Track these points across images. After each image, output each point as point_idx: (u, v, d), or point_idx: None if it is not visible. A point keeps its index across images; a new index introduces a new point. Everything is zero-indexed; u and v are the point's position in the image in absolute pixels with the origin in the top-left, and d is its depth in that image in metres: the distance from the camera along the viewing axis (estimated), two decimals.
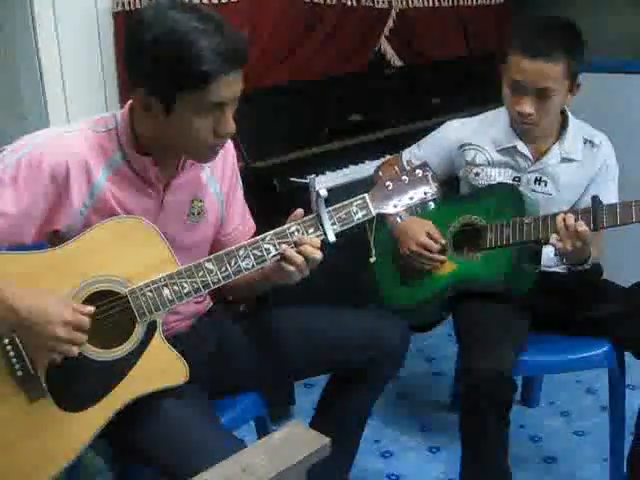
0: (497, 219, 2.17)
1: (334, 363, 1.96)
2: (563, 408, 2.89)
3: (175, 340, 1.69)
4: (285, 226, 1.68)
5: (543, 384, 2.90)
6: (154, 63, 1.52)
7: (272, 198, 2.61)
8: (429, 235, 2.25)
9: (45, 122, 2.60)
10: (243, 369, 1.91)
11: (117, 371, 1.60)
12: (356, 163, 2.92)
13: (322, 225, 1.68)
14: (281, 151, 2.76)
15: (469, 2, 3.62)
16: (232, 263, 1.64)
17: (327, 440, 1.17)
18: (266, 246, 1.66)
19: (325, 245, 1.68)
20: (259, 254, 1.65)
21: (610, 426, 2.31)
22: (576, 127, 2.24)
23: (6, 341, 1.53)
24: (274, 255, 1.66)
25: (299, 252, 1.65)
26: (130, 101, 1.65)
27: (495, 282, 2.16)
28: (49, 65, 2.58)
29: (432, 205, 1.77)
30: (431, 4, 3.43)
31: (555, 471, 2.54)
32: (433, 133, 2.42)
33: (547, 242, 2.07)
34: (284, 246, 1.66)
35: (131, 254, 1.60)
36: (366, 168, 2.85)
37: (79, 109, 2.65)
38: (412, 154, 2.41)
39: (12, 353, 1.53)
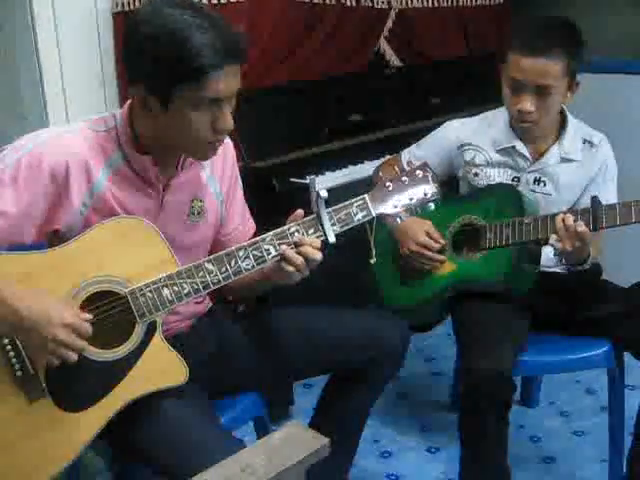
0: (497, 219, 2.17)
1: (334, 363, 1.97)
2: (562, 408, 2.90)
3: (175, 340, 1.69)
4: (285, 227, 1.68)
5: (542, 384, 2.90)
6: (151, 59, 1.52)
7: (272, 198, 2.61)
8: (429, 235, 2.25)
9: (45, 122, 2.61)
10: (243, 369, 1.91)
11: (117, 371, 1.60)
12: (356, 163, 2.92)
13: (322, 226, 1.68)
14: (281, 151, 2.76)
15: (469, 2, 3.62)
16: (232, 264, 1.64)
17: (326, 440, 1.17)
18: (266, 247, 1.66)
19: (325, 246, 1.68)
20: (259, 255, 1.65)
21: (609, 426, 2.32)
22: (575, 127, 2.25)
23: (6, 341, 1.53)
24: (274, 256, 1.66)
25: (299, 253, 1.65)
26: (130, 101, 1.65)
27: (495, 282, 2.16)
28: (49, 65, 2.58)
29: (432, 206, 1.77)
30: (430, 4, 3.43)
31: (554, 471, 2.54)
32: (433, 133, 2.42)
33: (546, 242, 2.07)
34: (284, 247, 1.66)
35: (131, 254, 1.60)
36: (366, 168, 2.85)
37: (79, 109, 2.65)
38: (412, 154, 2.41)
39: (12, 353, 1.53)
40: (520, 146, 2.22)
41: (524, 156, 2.23)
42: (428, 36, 3.46)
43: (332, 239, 1.69)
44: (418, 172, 1.76)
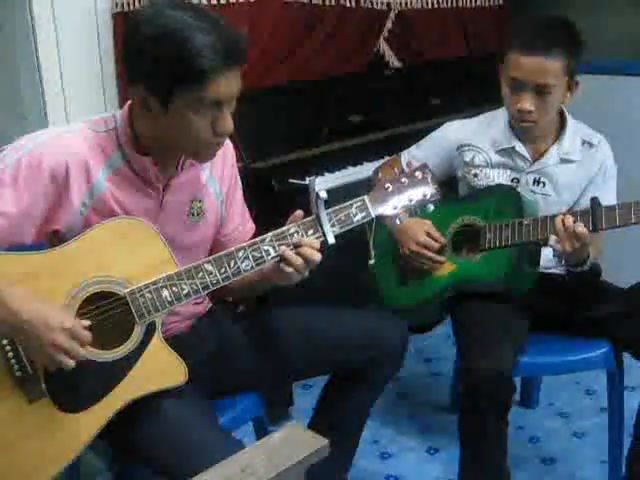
0: (496, 220, 2.17)
1: (334, 363, 1.97)
2: (562, 409, 2.90)
3: (174, 341, 1.69)
4: (284, 228, 1.68)
5: (542, 385, 2.90)
6: (151, 60, 1.52)
7: (271, 198, 2.61)
8: (429, 234, 2.25)
9: (44, 122, 2.61)
10: (242, 369, 1.91)
11: (117, 372, 1.60)
12: (355, 164, 2.92)
13: (321, 227, 1.68)
14: (280, 151, 2.76)
15: (468, 3, 3.62)
16: (231, 264, 1.64)
17: (326, 441, 1.18)
18: (265, 247, 1.66)
19: (324, 247, 1.68)
20: (258, 255, 1.65)
21: (609, 427, 2.32)
22: (574, 128, 2.25)
23: (5, 342, 1.53)
24: (273, 257, 1.66)
25: (298, 254, 1.65)
26: (130, 101, 1.65)
27: (495, 283, 2.16)
28: (48, 65, 2.58)
29: (431, 207, 1.77)
30: (430, 5, 3.43)
31: (554, 472, 2.54)
32: (432, 134, 2.43)
33: (546, 243, 2.07)
34: (283, 248, 1.66)
35: (131, 255, 1.60)
36: (365, 169, 2.85)
37: (78, 109, 2.65)
38: (411, 155, 2.41)
39: (11, 354, 1.53)
40: (520, 147, 2.23)
41: (523, 157, 2.23)
42: (428, 37, 3.46)
43: (331, 240, 1.69)
44: (417, 173, 1.77)
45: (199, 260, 1.64)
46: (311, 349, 1.92)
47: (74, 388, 1.57)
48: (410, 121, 3.27)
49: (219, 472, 1.12)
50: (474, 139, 2.30)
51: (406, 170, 1.79)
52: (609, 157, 2.25)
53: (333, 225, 1.69)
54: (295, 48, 2.94)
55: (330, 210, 1.69)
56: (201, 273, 1.62)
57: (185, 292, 1.62)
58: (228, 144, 1.83)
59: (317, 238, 1.68)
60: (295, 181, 2.68)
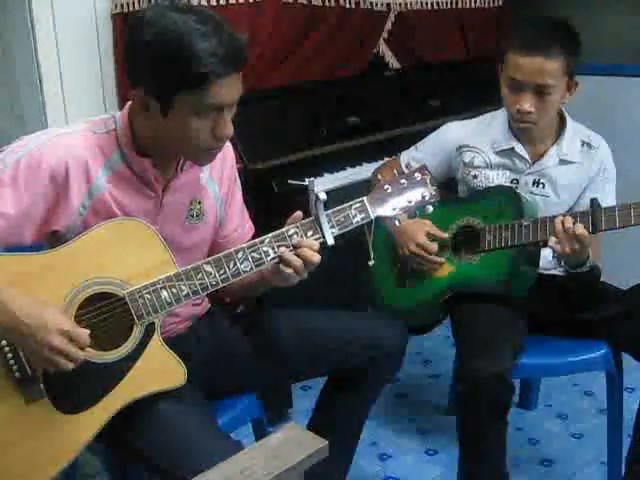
0: (496, 221, 2.17)
1: (333, 364, 1.97)
2: (561, 410, 2.90)
3: (173, 342, 1.69)
4: (284, 229, 1.68)
5: (541, 386, 2.90)
6: (153, 63, 1.52)
7: (270, 199, 2.61)
8: (429, 235, 2.24)
9: (43, 123, 2.61)
10: (242, 370, 1.91)
11: (115, 373, 1.60)
12: (354, 165, 2.92)
13: (321, 228, 1.68)
14: (280, 153, 2.76)
15: (468, 4, 3.62)
16: (231, 266, 1.64)
17: (325, 442, 1.18)
18: (265, 249, 1.65)
19: (323, 248, 1.68)
20: (257, 257, 1.65)
21: (608, 428, 2.32)
22: (574, 129, 2.25)
23: (4, 342, 1.53)
24: (272, 258, 1.66)
25: (297, 255, 1.65)
26: (129, 102, 1.65)
27: (494, 284, 2.16)
28: (47, 66, 2.58)
29: (430, 208, 1.77)
30: (430, 6, 3.42)
31: (553, 473, 2.54)
32: (431, 135, 2.43)
33: (546, 244, 2.07)
34: (282, 249, 1.66)
35: (130, 256, 1.60)
36: (364, 170, 2.85)
37: (77, 110, 2.65)
38: (410, 156, 2.41)
39: (10, 355, 1.53)
40: (519, 148, 2.23)
41: (523, 158, 2.23)
42: (427, 38, 3.46)
43: (331, 241, 1.69)
44: (417, 175, 1.77)
45: (198, 261, 1.64)
46: (310, 350, 1.92)
47: (73, 389, 1.57)
48: (409, 122, 3.26)
49: (218, 473, 1.12)
50: (473, 140, 2.31)
51: (405, 171, 1.79)
52: (608, 158, 2.25)
53: (332, 226, 1.69)
54: (294, 49, 2.94)
55: (329, 211, 1.69)
56: (200, 274, 1.62)
57: (184, 293, 1.61)
58: (227, 145, 1.83)
59: (316, 239, 1.68)
60: (294, 182, 2.67)
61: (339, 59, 3.10)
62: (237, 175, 1.92)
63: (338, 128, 3.03)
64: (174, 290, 1.60)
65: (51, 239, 1.63)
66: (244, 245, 1.65)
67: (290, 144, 2.83)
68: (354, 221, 1.71)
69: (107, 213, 1.63)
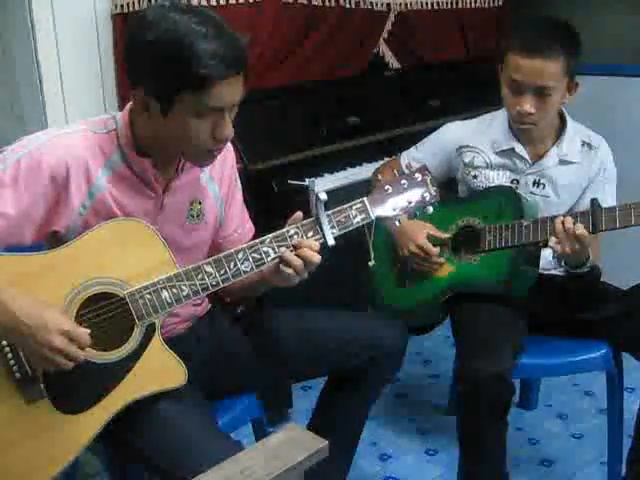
0: (496, 221, 2.17)
1: (333, 364, 1.97)
2: (561, 411, 2.90)
3: (174, 342, 1.69)
4: (284, 229, 1.67)
5: (541, 386, 2.90)
6: (153, 64, 1.52)
7: (270, 200, 2.61)
8: (429, 236, 2.24)
9: (43, 123, 2.61)
10: (242, 371, 1.91)
11: (116, 373, 1.60)
12: (354, 165, 2.92)
13: (321, 228, 1.68)
14: (279, 153, 2.76)
15: (468, 4, 3.62)
16: (231, 266, 1.64)
17: (325, 442, 1.18)
18: (265, 249, 1.65)
19: (324, 248, 1.68)
20: (258, 257, 1.65)
21: (608, 428, 2.32)
22: (574, 129, 2.25)
23: (4, 343, 1.53)
24: (273, 258, 1.66)
25: (298, 255, 1.65)
26: (130, 103, 1.65)
27: (494, 284, 2.16)
28: (47, 67, 2.58)
29: (431, 209, 1.77)
30: (430, 6, 3.42)
31: (553, 474, 2.54)
32: (432, 135, 2.43)
33: (546, 245, 2.07)
34: (283, 249, 1.66)
35: (131, 256, 1.60)
36: (364, 170, 2.85)
37: (77, 110, 2.65)
38: (411, 156, 2.41)
39: (10, 355, 1.53)
40: (519, 148, 2.23)
41: (523, 158, 2.23)
42: (427, 38, 3.46)
43: (331, 242, 1.68)
44: (417, 175, 1.77)
45: (198, 262, 1.64)
46: (310, 350, 1.92)
47: (73, 389, 1.57)
48: (409, 122, 3.26)
49: (218, 474, 1.12)
50: (474, 140, 2.31)
51: (406, 172, 1.79)
52: (609, 158, 2.25)
53: (333, 227, 1.69)
54: (294, 49, 2.94)
55: (330, 212, 1.69)
56: (201, 274, 1.62)
57: (185, 293, 1.61)
58: (228, 145, 1.82)
59: (317, 240, 1.68)
60: (294, 182, 2.67)
61: (339, 59, 3.10)
62: (237, 175, 1.91)
63: (338, 128, 3.03)
64: (174, 290, 1.60)
65: (51, 239, 1.63)
66: (244, 245, 1.65)
67: (290, 144, 2.83)
68: (354, 221, 1.71)
69: (107, 213, 1.63)
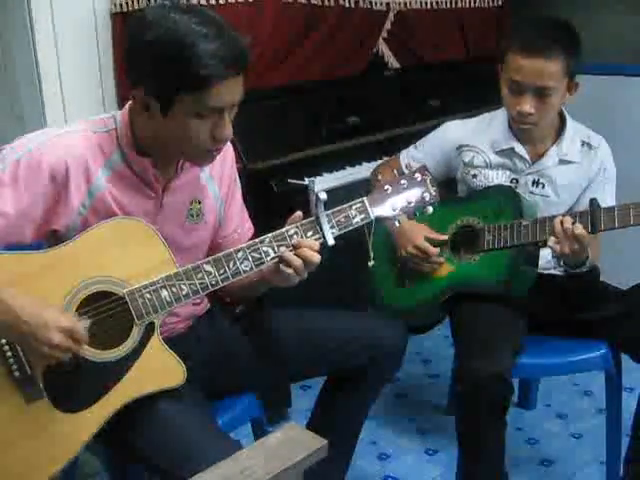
0: (495, 221, 2.17)
1: (333, 364, 1.97)
2: (560, 410, 2.90)
3: (173, 341, 1.69)
4: (284, 229, 1.68)
5: (540, 386, 2.90)
6: (154, 63, 1.52)
7: (270, 199, 2.61)
8: (427, 238, 2.24)
9: (42, 122, 2.60)
10: (241, 370, 1.91)
11: (115, 372, 1.60)
12: (354, 165, 2.92)
13: (321, 228, 1.68)
14: (279, 153, 2.76)
15: (467, 4, 3.62)
16: (231, 265, 1.64)
17: (325, 442, 1.18)
18: (265, 249, 1.65)
19: (324, 248, 1.68)
20: (258, 256, 1.65)
21: (607, 428, 2.32)
22: (574, 129, 2.25)
23: (3, 342, 1.53)
24: (272, 258, 1.66)
25: (297, 255, 1.65)
26: (130, 102, 1.65)
27: (493, 284, 2.16)
28: (47, 66, 2.57)
29: (430, 209, 1.77)
30: (429, 6, 3.42)
31: (552, 473, 2.54)
32: (431, 134, 2.43)
33: (545, 244, 2.07)
34: (283, 249, 1.66)
35: (130, 255, 1.60)
36: (364, 169, 2.85)
37: (76, 110, 2.65)
38: (410, 156, 2.41)
39: (9, 354, 1.53)
40: (519, 148, 2.23)
41: (523, 158, 2.23)
42: (427, 38, 3.46)
43: (331, 241, 1.69)
44: (417, 175, 1.77)
45: (198, 261, 1.64)
46: (310, 350, 1.92)
47: (73, 388, 1.57)
48: (409, 122, 3.26)
49: (217, 473, 1.12)
50: (473, 139, 2.31)
51: (405, 171, 1.79)
52: (608, 159, 2.25)
53: (332, 226, 1.69)
54: (294, 49, 2.94)
55: (329, 211, 1.69)
56: (200, 274, 1.62)
57: (184, 293, 1.61)
58: (227, 145, 1.82)
59: (316, 239, 1.68)
60: (294, 181, 2.67)
61: (339, 59, 3.10)
62: (237, 175, 1.91)
63: (338, 128, 3.03)
64: (174, 289, 1.60)
65: (51, 238, 1.63)
66: (244, 245, 1.65)
67: (290, 144, 2.83)
68: (354, 221, 1.71)
69: (107, 213, 1.63)
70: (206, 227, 1.82)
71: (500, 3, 3.80)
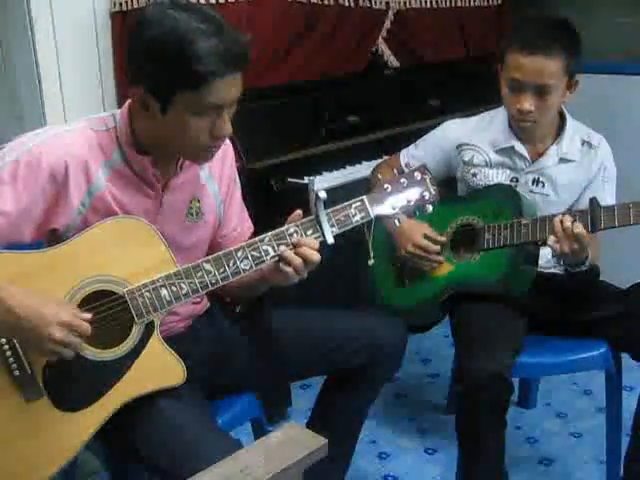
0: (495, 220, 2.17)
1: (332, 364, 1.96)
2: (559, 409, 2.90)
3: (173, 341, 1.69)
4: (284, 227, 1.68)
5: (540, 385, 2.90)
6: (153, 61, 1.52)
7: (269, 198, 2.61)
8: (426, 237, 2.24)
9: (42, 122, 2.60)
10: (241, 370, 1.91)
11: (115, 371, 1.60)
12: (353, 164, 2.92)
13: (321, 227, 1.68)
14: (279, 152, 2.76)
15: (467, 3, 3.61)
16: (230, 264, 1.64)
17: (325, 441, 1.18)
18: (264, 247, 1.65)
19: (323, 247, 1.68)
20: (257, 255, 1.65)
21: (607, 427, 2.32)
22: (574, 128, 2.25)
23: (3, 341, 1.53)
24: (272, 256, 1.66)
25: (297, 253, 1.65)
26: (129, 100, 1.65)
27: (493, 283, 2.16)
28: (46, 65, 2.57)
29: (430, 208, 1.77)
30: (429, 5, 3.42)
31: (551, 473, 2.54)
32: (431, 133, 2.42)
33: (545, 243, 2.07)
34: (282, 247, 1.66)
35: (130, 254, 1.60)
36: (364, 168, 2.85)
37: (76, 109, 2.65)
38: (410, 155, 2.41)
39: (9, 353, 1.53)
40: (519, 146, 2.23)
41: (523, 156, 2.23)
42: (426, 37, 3.46)
43: (330, 240, 1.68)
44: (416, 174, 1.77)
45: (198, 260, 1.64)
46: (309, 349, 1.92)
47: (72, 388, 1.57)
48: (409, 121, 3.26)
49: (217, 472, 1.12)
50: (473, 138, 2.30)
51: (405, 170, 1.79)
52: (609, 158, 2.25)
53: (332, 225, 1.69)
54: (294, 47, 2.94)
55: (329, 210, 1.69)
56: (200, 272, 1.62)
57: (184, 291, 1.61)
58: (227, 144, 1.82)
59: (316, 238, 1.68)
60: (293, 180, 2.67)
61: (338, 58, 3.10)
62: (237, 174, 1.91)
63: (337, 127, 3.03)
64: (174, 288, 1.60)
65: (50, 237, 1.63)
66: (244, 243, 1.65)
67: (290, 143, 2.83)
68: (354, 220, 1.71)
69: (107, 212, 1.63)
70: (206, 226, 1.82)
71: (500, 2, 3.80)
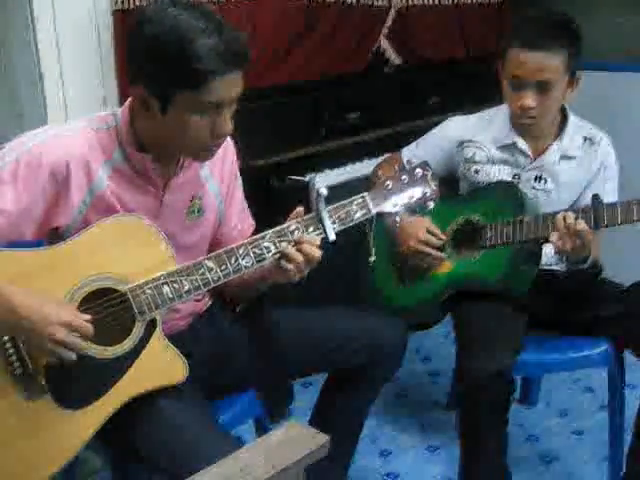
0: (497, 218, 2.16)
1: (333, 363, 1.96)
2: (561, 407, 2.89)
3: (173, 339, 1.69)
4: (285, 225, 1.67)
5: (541, 383, 2.90)
6: (153, 60, 1.52)
7: (270, 196, 2.61)
8: (429, 231, 2.24)
9: (43, 121, 2.59)
10: (242, 369, 1.91)
11: (117, 369, 1.60)
12: (354, 162, 2.92)
13: (322, 224, 1.68)
14: (280, 150, 2.76)
15: (468, 1, 3.61)
16: (232, 261, 1.63)
17: (326, 439, 1.18)
18: (266, 244, 1.65)
19: (325, 244, 1.68)
20: (259, 252, 1.65)
21: (609, 425, 2.31)
22: (576, 125, 2.24)
23: (5, 339, 1.53)
24: (274, 253, 1.66)
25: (299, 250, 1.65)
26: (130, 99, 1.65)
27: (494, 282, 2.16)
28: (48, 64, 2.57)
29: (432, 205, 1.76)
30: (430, 2, 3.42)
31: (553, 470, 2.54)
32: (433, 130, 2.42)
33: (547, 241, 2.07)
34: (284, 244, 1.66)
35: (131, 253, 1.60)
36: (365, 166, 2.85)
37: (77, 108, 2.64)
38: (412, 152, 2.40)
39: (11, 351, 1.53)
40: (521, 143, 2.22)
41: (525, 153, 2.23)
42: (428, 35, 3.45)
43: (332, 237, 1.68)
44: (418, 171, 1.76)
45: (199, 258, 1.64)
46: (310, 349, 1.92)
47: (74, 386, 1.57)
48: (410, 119, 3.26)
49: (218, 471, 1.12)
50: (475, 135, 2.30)
51: (407, 168, 1.78)
52: (611, 155, 2.25)
53: (334, 222, 1.69)
54: (295, 46, 2.93)
55: (331, 207, 1.69)
56: (202, 269, 1.62)
57: (186, 289, 1.61)
58: (228, 142, 1.82)
59: (318, 235, 1.68)
60: (294, 178, 2.67)
61: (340, 56, 3.09)
62: (238, 172, 1.91)
63: (339, 124, 3.03)
64: (176, 285, 1.60)
65: (52, 236, 1.62)
66: (245, 241, 1.65)
67: (291, 140, 2.83)
68: (355, 217, 1.71)
69: (108, 211, 1.63)
70: (207, 224, 1.82)
71: (500, 0, 3.80)
